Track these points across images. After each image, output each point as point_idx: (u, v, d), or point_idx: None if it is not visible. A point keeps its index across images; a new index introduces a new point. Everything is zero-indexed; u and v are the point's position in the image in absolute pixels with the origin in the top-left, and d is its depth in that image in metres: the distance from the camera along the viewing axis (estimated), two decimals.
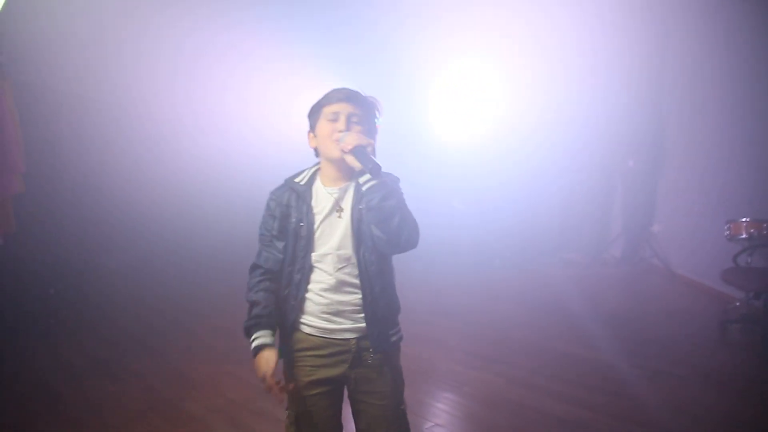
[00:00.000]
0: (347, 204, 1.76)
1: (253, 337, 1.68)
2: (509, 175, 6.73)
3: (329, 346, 1.73)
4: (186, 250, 6.64)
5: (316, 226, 1.74)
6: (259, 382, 1.62)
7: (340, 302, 1.73)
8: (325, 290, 1.73)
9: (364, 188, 1.66)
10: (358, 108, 1.73)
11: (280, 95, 6.58)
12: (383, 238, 1.66)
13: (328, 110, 1.74)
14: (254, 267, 1.82)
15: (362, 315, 1.74)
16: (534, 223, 7.03)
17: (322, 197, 1.77)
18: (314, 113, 1.80)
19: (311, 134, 1.82)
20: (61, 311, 4.79)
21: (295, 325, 1.76)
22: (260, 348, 1.66)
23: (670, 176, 6.52)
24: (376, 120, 1.83)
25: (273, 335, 1.70)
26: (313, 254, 1.75)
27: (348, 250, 1.74)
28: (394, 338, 1.79)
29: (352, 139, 1.64)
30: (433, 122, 7.00)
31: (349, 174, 1.74)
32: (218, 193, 6.72)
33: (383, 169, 1.70)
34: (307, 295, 1.75)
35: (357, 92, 1.77)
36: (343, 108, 1.73)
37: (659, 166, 6.61)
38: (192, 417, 3.07)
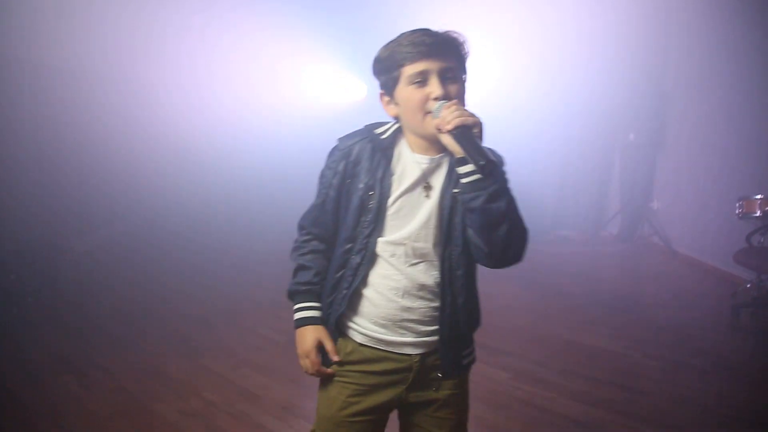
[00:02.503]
0: (437, 182, 1.36)
1: (297, 306, 1.46)
2: (501, 148, 6.35)
3: (384, 361, 1.39)
4: (161, 230, 6.28)
5: (391, 200, 1.35)
6: (299, 360, 1.45)
7: (408, 309, 1.37)
8: (391, 290, 1.36)
9: (463, 180, 1.26)
10: (452, 59, 1.31)
11: (264, 61, 6.26)
12: (483, 250, 1.29)
13: (410, 70, 1.30)
14: (301, 227, 1.52)
15: (433, 328, 1.38)
16: (528, 199, 6.60)
17: (408, 165, 1.36)
18: (387, 72, 1.35)
19: (386, 98, 1.39)
20: (22, 300, 4.35)
21: (341, 326, 1.42)
22: (305, 321, 1.45)
23: (671, 151, 6.24)
24: (466, 69, 1.38)
25: (319, 305, 1.46)
26: (380, 239, 1.36)
27: (427, 244, 1.35)
28: (466, 360, 1.45)
29: (452, 115, 1.23)
30: None
31: (442, 144, 1.34)
32: (196, 170, 6.37)
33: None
34: (365, 290, 1.39)
35: (445, 38, 1.32)
36: (432, 65, 1.29)
37: (660, 140, 6.33)
38: (164, 422, 2.74)
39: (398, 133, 1.40)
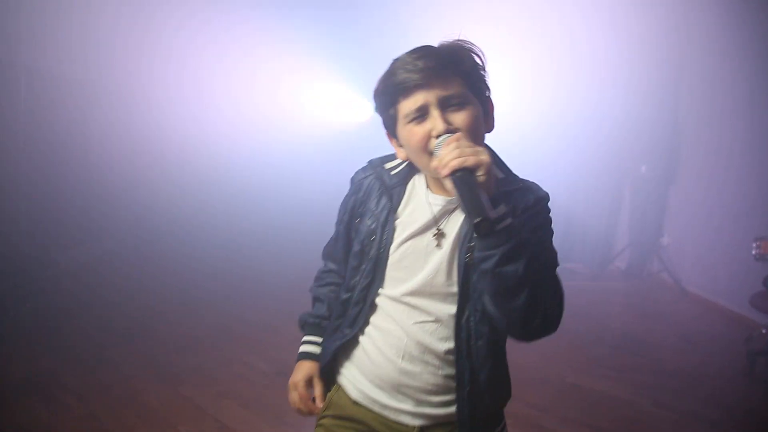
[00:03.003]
0: (452, 229, 1.15)
1: (303, 338, 1.39)
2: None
3: (376, 424, 1.22)
4: (146, 250, 6.09)
5: (394, 246, 1.17)
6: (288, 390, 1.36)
7: (407, 373, 1.17)
8: (390, 348, 1.17)
9: (475, 235, 1.04)
10: (455, 82, 1.10)
11: (263, 76, 6.14)
12: (500, 318, 1.07)
13: (406, 107, 1.11)
14: (322, 256, 1.44)
15: (440, 399, 1.18)
16: None
17: (419, 206, 1.18)
18: (384, 110, 1.16)
19: (394, 141, 1.20)
20: None
21: (337, 376, 1.29)
22: (304, 356, 1.37)
23: (683, 185, 6.04)
24: (485, 78, 1.17)
25: (319, 341, 1.37)
26: (381, 291, 1.18)
27: (436, 302, 1.15)
28: None
29: (449, 156, 1.01)
30: None
31: None
32: (188, 190, 6.21)
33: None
34: (364, 342, 1.21)
35: (443, 57, 1.11)
36: (429, 96, 1.09)
37: (672, 174, 6.14)
38: None
39: (414, 167, 1.21)
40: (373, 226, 1.19)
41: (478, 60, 1.15)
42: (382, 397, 1.20)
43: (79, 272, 5.32)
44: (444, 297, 1.15)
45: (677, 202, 6.13)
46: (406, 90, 1.09)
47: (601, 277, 6.31)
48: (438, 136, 1.08)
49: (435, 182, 1.17)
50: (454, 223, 1.15)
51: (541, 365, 3.77)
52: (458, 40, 1.15)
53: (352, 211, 1.26)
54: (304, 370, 1.34)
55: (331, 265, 1.39)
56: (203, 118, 6.41)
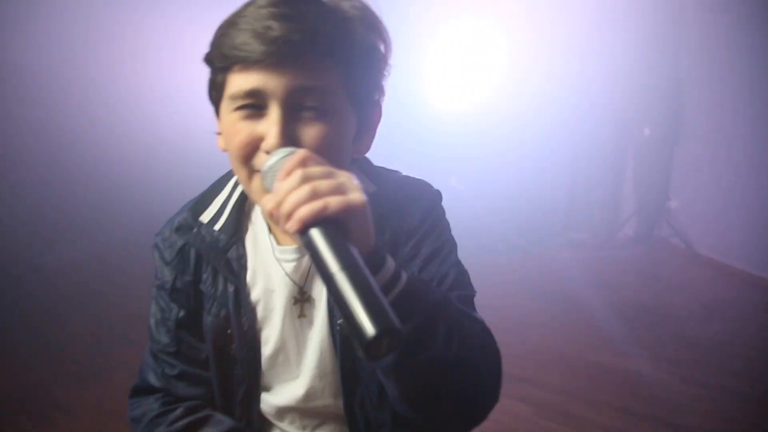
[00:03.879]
0: (321, 290, 0.80)
1: None
2: (510, 148, 5.98)
3: None
4: (141, 248, 5.84)
5: (264, 335, 0.83)
6: None
7: None
8: None
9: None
10: (323, 73, 0.70)
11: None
12: (417, 421, 0.74)
13: (234, 84, 0.71)
14: (136, 396, 0.99)
15: None
16: (539, 200, 6.29)
17: (268, 264, 0.82)
18: (213, 72, 0.76)
19: (218, 120, 0.80)
20: None
21: None
22: None
23: (689, 146, 5.82)
24: (382, 76, 0.78)
25: None
26: (264, 402, 0.86)
27: (329, 399, 0.84)
28: None
29: (292, 198, 0.59)
30: (427, 89, 6.17)
31: None
32: (182, 186, 5.97)
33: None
34: None
35: (319, 28, 0.69)
36: (274, 82, 0.68)
37: (676, 135, 5.91)
38: None
39: (242, 207, 0.85)
40: (223, 314, 0.82)
41: (380, 45, 0.76)
42: None
43: (70, 272, 5.07)
44: (329, 385, 0.84)
45: (684, 164, 5.92)
46: (243, 56, 0.69)
47: (609, 245, 6.11)
48: (267, 152, 0.69)
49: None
50: (321, 286, 0.79)
51: (560, 345, 3.58)
52: (359, 3, 0.74)
53: (187, 301, 0.86)
54: None
55: (181, 392, 0.91)
56: (194, 114, 6.16)
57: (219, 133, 0.80)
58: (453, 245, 0.84)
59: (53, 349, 3.65)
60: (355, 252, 0.58)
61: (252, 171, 0.73)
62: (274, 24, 0.67)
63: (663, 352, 3.42)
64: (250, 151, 0.72)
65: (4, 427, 2.72)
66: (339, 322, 0.78)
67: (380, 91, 0.79)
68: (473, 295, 0.81)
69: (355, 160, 0.83)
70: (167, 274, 0.85)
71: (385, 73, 0.79)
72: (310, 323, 0.78)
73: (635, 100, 6.04)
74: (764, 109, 4.69)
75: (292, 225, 0.59)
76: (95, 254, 5.40)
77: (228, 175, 0.87)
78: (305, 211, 0.58)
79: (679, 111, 5.85)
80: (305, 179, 0.59)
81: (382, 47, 0.77)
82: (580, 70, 5.97)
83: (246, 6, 0.71)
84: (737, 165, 5.02)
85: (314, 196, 0.58)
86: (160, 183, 6.02)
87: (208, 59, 0.77)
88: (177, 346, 0.86)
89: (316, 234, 0.58)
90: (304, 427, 0.85)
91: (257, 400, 0.84)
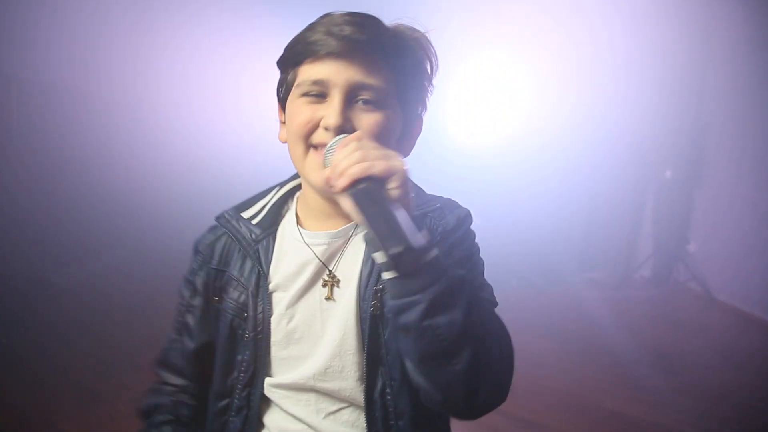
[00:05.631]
0: (348, 272, 0.87)
1: None
2: (527, 184, 5.94)
3: None
4: (148, 268, 5.81)
5: (275, 319, 0.86)
6: None
7: None
8: None
9: (383, 276, 0.74)
10: (382, 72, 0.81)
11: (256, 77, 5.96)
12: (431, 391, 0.76)
13: (304, 73, 0.84)
14: (158, 365, 1.03)
15: None
16: (555, 237, 6.22)
17: (295, 252, 0.88)
18: (284, 69, 0.90)
19: (281, 113, 0.92)
20: None
21: None
22: None
23: (710, 189, 5.77)
24: (426, 91, 0.88)
25: None
26: (269, 383, 0.87)
27: (347, 380, 0.85)
28: None
29: (347, 160, 0.73)
30: (447, 124, 6.17)
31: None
32: (188, 202, 5.96)
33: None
34: None
35: (380, 34, 0.82)
36: (338, 73, 0.80)
37: (697, 178, 5.86)
38: None
39: (281, 206, 0.93)
40: (243, 298, 0.89)
41: (427, 66, 0.88)
42: None
43: (76, 290, 5.04)
44: (354, 367, 0.85)
45: (704, 207, 5.85)
46: (314, 54, 0.83)
47: (625, 286, 6.01)
48: (327, 129, 0.82)
49: (311, 215, 0.90)
50: (350, 263, 0.87)
51: (574, 390, 3.49)
52: (417, 31, 0.86)
53: (205, 289, 0.94)
54: None
55: (172, 380, 0.99)
56: (200, 128, 6.23)
57: (282, 122, 0.92)
58: (481, 260, 0.92)
59: (58, 369, 3.60)
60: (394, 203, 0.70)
61: (308, 146, 0.84)
62: (345, 27, 0.82)
63: (682, 402, 3.32)
64: (310, 128, 0.84)
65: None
66: (372, 303, 0.82)
67: (423, 105, 0.90)
68: (496, 305, 0.87)
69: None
70: (195, 262, 0.94)
71: (429, 90, 0.90)
72: (336, 303, 0.84)
73: (657, 141, 6.03)
74: None
75: (344, 180, 0.72)
76: (101, 273, 5.39)
77: (272, 187, 0.99)
78: (356, 169, 0.72)
79: (701, 154, 5.82)
80: (358, 148, 0.74)
81: (428, 67, 0.87)
82: (604, 109, 5.97)
83: (322, 16, 0.86)
84: (758, 210, 4.96)
85: (364, 158, 0.72)
86: (166, 204, 6.05)
87: (281, 60, 0.91)
88: (183, 335, 0.95)
89: (362, 187, 0.72)
90: (319, 411, 0.86)
91: (260, 385, 0.87)
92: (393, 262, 0.69)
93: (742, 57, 5.27)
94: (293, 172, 0.97)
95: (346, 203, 0.74)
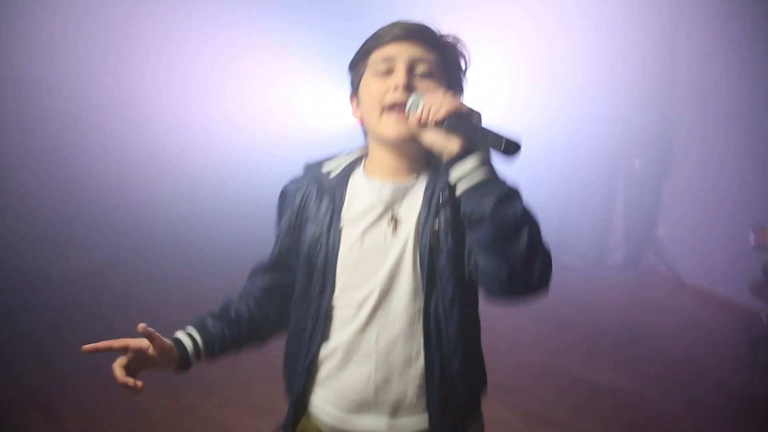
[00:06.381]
0: (409, 214, 1.08)
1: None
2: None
3: None
4: (146, 256, 6.01)
5: (345, 249, 1.08)
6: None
7: (381, 388, 1.08)
8: (358, 363, 1.08)
9: (462, 185, 0.98)
10: (431, 52, 1.08)
11: (258, 78, 6.12)
12: (501, 271, 0.98)
13: (376, 56, 1.08)
14: (253, 271, 1.29)
15: (418, 401, 1.09)
16: None
17: (362, 196, 1.10)
18: (357, 63, 1.13)
19: (354, 100, 1.15)
20: None
21: (302, 401, 1.17)
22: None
23: (677, 178, 6.08)
24: (462, 76, 1.15)
25: (192, 336, 1.22)
26: (336, 299, 1.09)
27: (402, 297, 1.06)
28: (471, 430, 1.16)
29: (437, 104, 0.98)
30: None
31: (416, 163, 1.10)
32: (184, 194, 6.14)
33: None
34: (326, 363, 1.11)
35: (431, 31, 1.10)
36: (401, 50, 1.06)
37: (666, 167, 6.18)
38: None
39: (354, 163, 1.15)
40: (317, 232, 1.09)
41: (462, 61, 1.15)
42: (354, 418, 1.11)
43: (78, 281, 5.25)
44: (410, 290, 1.06)
45: (672, 195, 6.16)
46: (382, 41, 1.08)
47: (598, 271, 6.31)
48: (396, 89, 1.05)
49: (377, 171, 1.11)
50: (410, 207, 1.08)
51: (548, 360, 3.76)
52: (454, 36, 1.14)
53: (290, 223, 1.15)
54: (131, 344, 1.18)
55: (260, 282, 1.24)
56: (196, 123, 6.37)
57: (357, 102, 1.15)
58: None
59: (65, 349, 3.81)
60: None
61: (382, 108, 1.06)
62: (402, 23, 1.09)
63: (645, 370, 3.60)
64: (381, 95, 1.06)
65: (22, 425, 2.86)
66: (437, 225, 1.06)
67: (461, 89, 1.17)
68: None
69: None
70: (284, 206, 1.20)
71: (464, 81, 1.17)
72: (397, 238, 1.06)
73: (627, 134, 6.31)
74: (747, 148, 4.94)
75: (441, 112, 0.97)
76: (101, 263, 5.59)
77: (343, 152, 1.21)
78: (452, 105, 0.98)
79: (669, 147, 6.12)
80: (446, 93, 1.01)
81: (463, 63, 1.15)
82: (576, 102, 6.25)
83: (383, 27, 1.11)
84: (721, 197, 5.25)
85: (450, 101, 0.98)
86: (164, 195, 6.21)
87: (353, 62, 1.15)
88: (274, 260, 1.22)
89: (455, 118, 0.98)
90: (375, 324, 1.07)
91: (329, 302, 1.09)
92: (504, 146, 0.95)
93: (708, 54, 5.57)
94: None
95: (432, 136, 1.00)
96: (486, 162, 1.00)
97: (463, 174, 0.98)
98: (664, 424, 2.89)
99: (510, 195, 0.98)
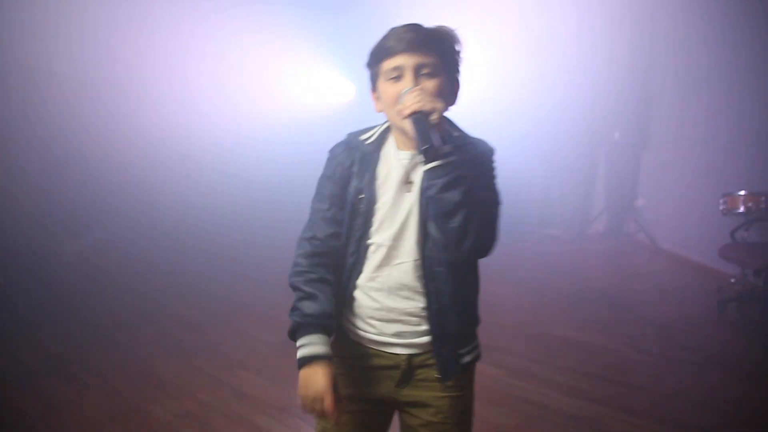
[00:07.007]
0: (418, 177, 1.36)
1: (300, 343, 1.30)
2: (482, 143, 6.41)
3: (374, 358, 1.40)
4: (154, 232, 6.21)
5: (379, 203, 1.37)
6: (306, 403, 1.28)
7: (394, 310, 1.37)
8: (377, 290, 1.37)
9: (424, 168, 1.25)
10: (432, 55, 1.32)
11: (252, 61, 6.22)
12: (439, 239, 1.30)
13: (387, 66, 1.34)
14: (302, 242, 1.42)
15: (423, 328, 1.36)
16: (515, 197, 6.73)
17: (392, 164, 1.39)
18: (371, 66, 1.40)
19: (374, 93, 1.42)
20: (13, 303, 4.31)
21: (340, 324, 1.43)
22: (311, 360, 1.28)
23: (655, 149, 6.32)
24: (457, 66, 1.39)
25: (328, 342, 1.32)
26: (369, 241, 1.38)
27: (409, 242, 1.35)
28: (466, 359, 1.41)
29: (411, 100, 1.25)
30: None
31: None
32: (189, 173, 6.31)
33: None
34: (356, 291, 1.39)
35: (427, 33, 1.33)
36: (407, 60, 1.31)
37: (645, 139, 6.42)
38: (159, 424, 2.73)
39: (385, 134, 1.43)
40: (361, 185, 1.37)
41: (456, 45, 1.39)
42: (376, 336, 1.39)
43: (91, 257, 5.54)
44: (414, 235, 1.35)
45: (650, 166, 6.40)
46: (390, 52, 1.32)
47: (581, 240, 6.59)
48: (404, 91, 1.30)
49: (402, 141, 1.38)
50: (419, 172, 1.35)
51: (531, 322, 4.04)
52: (445, 26, 1.38)
53: (342, 180, 1.40)
54: (325, 374, 1.27)
55: (317, 241, 1.40)
56: (191, 106, 6.47)
57: (377, 97, 1.40)
58: (492, 178, 1.38)
59: (82, 322, 4.10)
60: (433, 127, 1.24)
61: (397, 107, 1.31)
62: (406, 34, 1.31)
63: (623, 330, 3.87)
64: (396, 98, 1.31)
65: (49, 391, 3.08)
66: (429, 193, 1.28)
67: (458, 71, 1.39)
68: (497, 197, 1.35)
69: (448, 119, 1.40)
70: (334, 165, 1.43)
71: (460, 62, 1.39)
72: (410, 195, 1.35)
73: (608, 106, 6.52)
74: (718, 122, 5.16)
75: (406, 111, 1.24)
76: (109, 241, 5.82)
77: (374, 126, 1.46)
78: (414, 105, 1.23)
79: (647, 121, 6.35)
80: (418, 94, 1.25)
81: (458, 48, 1.38)
82: (557, 76, 6.45)
83: (391, 29, 1.34)
84: (695, 169, 5.49)
85: (420, 100, 1.24)
86: (161, 179, 6.38)
87: (369, 63, 1.39)
88: (329, 209, 1.43)
89: (416, 115, 1.23)
90: (391, 261, 1.36)
91: (365, 243, 1.38)
92: (423, 153, 1.21)
93: (685, 29, 5.74)
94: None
95: (407, 126, 1.25)
96: (449, 149, 1.25)
97: (423, 160, 1.27)
98: (638, 377, 3.16)
99: (455, 182, 1.22)
